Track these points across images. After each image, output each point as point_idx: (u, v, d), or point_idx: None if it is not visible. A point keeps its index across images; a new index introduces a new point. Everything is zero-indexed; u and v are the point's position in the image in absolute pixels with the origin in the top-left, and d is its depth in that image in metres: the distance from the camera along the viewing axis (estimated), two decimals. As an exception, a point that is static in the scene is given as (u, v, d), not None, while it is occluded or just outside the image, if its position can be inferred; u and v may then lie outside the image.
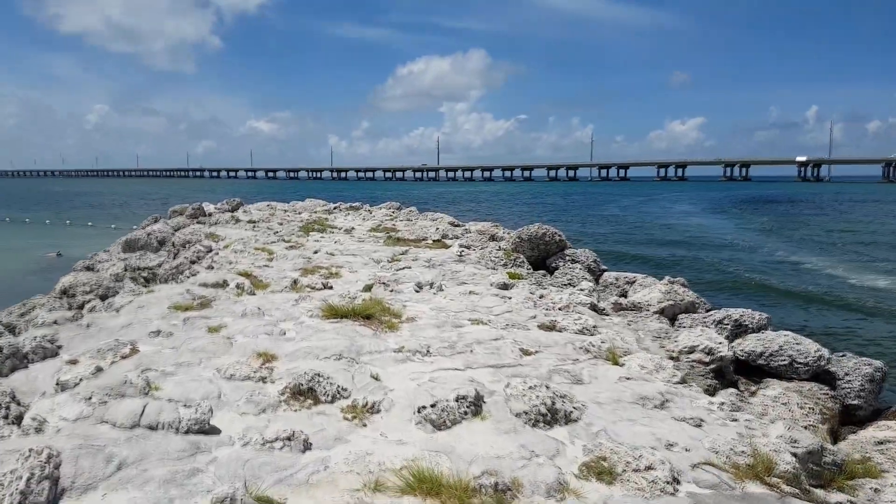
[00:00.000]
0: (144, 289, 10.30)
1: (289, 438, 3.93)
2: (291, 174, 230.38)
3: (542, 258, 11.89)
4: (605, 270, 12.06)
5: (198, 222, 18.89)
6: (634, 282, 10.98)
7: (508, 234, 17.07)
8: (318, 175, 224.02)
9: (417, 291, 8.86)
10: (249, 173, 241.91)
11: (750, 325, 8.26)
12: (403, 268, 10.71)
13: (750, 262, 22.63)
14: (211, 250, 13.09)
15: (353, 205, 22.14)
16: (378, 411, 4.65)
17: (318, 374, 4.93)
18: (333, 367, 5.40)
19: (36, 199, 70.17)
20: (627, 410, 4.85)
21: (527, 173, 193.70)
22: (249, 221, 17.76)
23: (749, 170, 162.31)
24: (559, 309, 7.71)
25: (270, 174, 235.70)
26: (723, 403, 5.27)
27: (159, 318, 7.40)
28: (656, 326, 7.81)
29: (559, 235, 11.95)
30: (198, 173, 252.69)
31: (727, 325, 8.29)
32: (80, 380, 5.15)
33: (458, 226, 17.54)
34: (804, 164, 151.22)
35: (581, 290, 8.67)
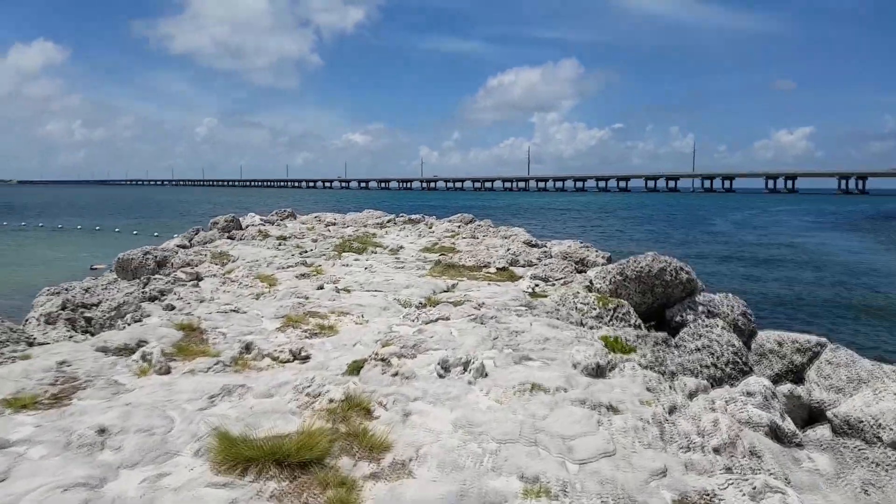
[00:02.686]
0: (66, 340, 7.11)
1: None
2: (382, 184, 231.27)
3: (659, 306, 7.70)
4: (755, 327, 7.76)
5: (229, 236, 15.97)
6: (812, 351, 6.65)
7: (602, 257, 12.91)
8: (409, 185, 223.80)
9: (441, 376, 5.05)
10: (343, 184, 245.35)
11: None
12: (437, 319, 6.91)
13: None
14: (198, 278, 9.84)
15: (413, 217, 18.49)
16: None
17: None
18: None
19: (135, 207, 71.22)
20: None
21: (623, 184, 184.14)
22: (279, 237, 14.54)
23: (866, 182, 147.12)
24: (713, 450, 3.67)
25: (363, 185, 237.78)
26: None
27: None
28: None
29: (686, 272, 7.67)
30: (296, 184, 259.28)
31: None
32: None
33: (535, 246, 13.52)
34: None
35: (748, 393, 4.51)
